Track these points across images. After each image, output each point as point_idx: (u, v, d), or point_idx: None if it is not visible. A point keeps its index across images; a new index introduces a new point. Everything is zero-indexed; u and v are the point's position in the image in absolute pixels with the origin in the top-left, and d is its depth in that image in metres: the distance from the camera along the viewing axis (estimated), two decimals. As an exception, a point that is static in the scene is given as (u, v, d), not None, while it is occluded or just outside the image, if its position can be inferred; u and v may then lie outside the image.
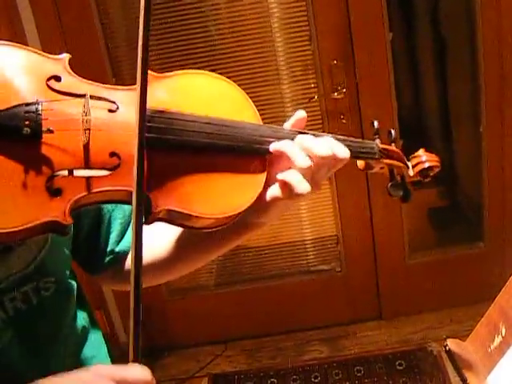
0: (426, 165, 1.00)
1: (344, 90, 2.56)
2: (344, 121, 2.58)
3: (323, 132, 0.91)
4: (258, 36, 2.52)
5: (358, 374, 2.65)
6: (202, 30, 2.49)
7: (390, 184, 0.97)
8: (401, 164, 0.99)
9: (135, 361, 0.77)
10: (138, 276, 0.75)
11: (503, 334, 1.04)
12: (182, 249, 1.02)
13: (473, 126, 2.79)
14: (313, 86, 2.60)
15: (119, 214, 1.06)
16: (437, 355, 2.63)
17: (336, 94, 2.56)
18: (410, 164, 1.01)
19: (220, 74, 0.90)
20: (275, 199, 0.89)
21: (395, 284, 2.92)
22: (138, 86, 0.77)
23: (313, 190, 0.87)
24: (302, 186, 0.85)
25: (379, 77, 2.56)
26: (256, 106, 0.90)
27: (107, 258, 1.06)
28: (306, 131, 0.90)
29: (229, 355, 2.93)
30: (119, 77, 2.56)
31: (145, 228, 1.03)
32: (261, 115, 0.90)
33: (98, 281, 1.13)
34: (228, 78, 0.90)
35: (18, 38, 2.30)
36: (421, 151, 1.02)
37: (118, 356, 1.10)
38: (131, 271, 0.75)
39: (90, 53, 2.47)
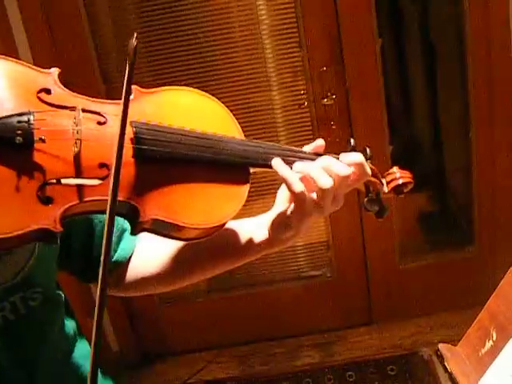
0: (400, 181, 1.02)
1: (334, 96, 2.56)
2: (334, 127, 2.58)
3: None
4: (247, 42, 2.52)
5: (350, 380, 2.65)
6: (191, 37, 2.48)
7: (365, 200, 0.99)
8: (376, 181, 1.01)
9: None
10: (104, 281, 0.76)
11: (494, 339, 1.04)
12: (193, 261, 1.05)
13: (463, 131, 2.80)
14: (302, 92, 2.60)
15: None
16: (428, 360, 2.62)
17: (326, 100, 2.56)
18: (384, 181, 1.03)
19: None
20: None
21: (386, 289, 2.93)
22: (122, 100, 0.78)
23: (334, 206, 0.92)
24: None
25: (369, 82, 2.57)
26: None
27: None
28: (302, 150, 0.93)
29: (221, 362, 2.93)
30: (109, 83, 2.56)
31: (151, 240, 1.03)
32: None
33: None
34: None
35: (8, 48, 2.29)
36: (395, 168, 1.04)
37: (109, 364, 1.10)
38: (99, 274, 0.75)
39: (81, 60, 2.47)
